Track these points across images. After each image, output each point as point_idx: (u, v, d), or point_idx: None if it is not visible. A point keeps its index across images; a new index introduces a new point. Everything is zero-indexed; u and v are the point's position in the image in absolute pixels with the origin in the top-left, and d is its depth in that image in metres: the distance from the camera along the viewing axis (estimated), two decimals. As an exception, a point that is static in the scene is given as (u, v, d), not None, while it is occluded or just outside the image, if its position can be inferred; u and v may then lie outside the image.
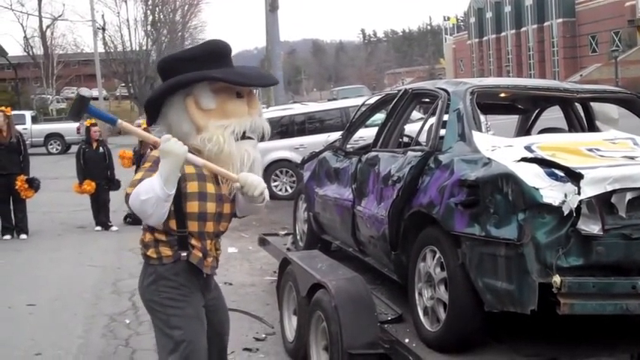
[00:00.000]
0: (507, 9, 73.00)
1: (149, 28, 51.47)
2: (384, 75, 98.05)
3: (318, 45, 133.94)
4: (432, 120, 4.44)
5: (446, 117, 4.24)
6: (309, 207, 6.22)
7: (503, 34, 74.57)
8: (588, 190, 3.15)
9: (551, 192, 3.18)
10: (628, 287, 3.17)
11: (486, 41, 78.65)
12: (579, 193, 3.14)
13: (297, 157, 11.77)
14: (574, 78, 49.10)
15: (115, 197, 11.52)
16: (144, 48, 50.59)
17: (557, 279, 3.11)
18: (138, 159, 10.46)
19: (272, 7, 19.81)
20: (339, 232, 5.57)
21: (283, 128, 13.66)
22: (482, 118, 4.46)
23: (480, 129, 4.01)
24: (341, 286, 4.15)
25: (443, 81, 5.44)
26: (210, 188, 3.00)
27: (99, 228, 10.89)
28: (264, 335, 5.52)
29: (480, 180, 3.48)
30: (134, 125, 5.99)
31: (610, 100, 4.76)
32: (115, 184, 11.07)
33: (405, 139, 5.37)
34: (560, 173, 3.24)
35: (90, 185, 10.78)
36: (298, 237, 6.64)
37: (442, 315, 3.69)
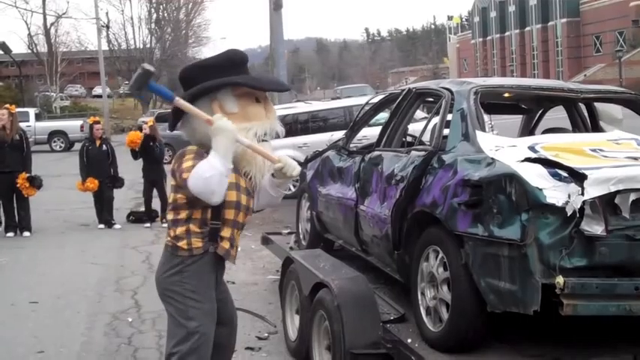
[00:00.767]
0: (511, 8, 72.87)
1: (153, 26, 51.61)
2: (387, 74, 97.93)
3: (321, 44, 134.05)
4: (436, 119, 4.44)
5: (450, 117, 4.24)
6: (312, 206, 6.22)
7: (507, 33, 74.46)
8: (592, 191, 3.14)
9: (555, 192, 3.17)
10: (631, 288, 3.16)
11: (490, 41, 78.50)
12: (583, 194, 3.12)
13: (300, 156, 11.72)
14: (578, 78, 49.08)
15: (119, 195, 11.56)
16: (148, 46, 50.69)
17: (560, 280, 3.10)
18: (146, 142, 10.69)
19: (276, 5, 19.82)
20: (342, 232, 5.57)
21: (287, 127, 13.59)
22: (485, 117, 4.45)
23: (483, 129, 4.00)
24: (344, 286, 4.14)
25: (447, 80, 5.43)
26: (242, 182, 3.22)
27: (102, 226, 10.89)
28: (266, 334, 5.51)
29: (484, 180, 3.47)
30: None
31: (614, 100, 4.75)
32: (119, 182, 11.09)
33: (409, 139, 5.36)
34: (564, 174, 3.23)
35: (93, 183, 10.78)
36: (301, 236, 6.65)
37: (445, 315, 3.69)
